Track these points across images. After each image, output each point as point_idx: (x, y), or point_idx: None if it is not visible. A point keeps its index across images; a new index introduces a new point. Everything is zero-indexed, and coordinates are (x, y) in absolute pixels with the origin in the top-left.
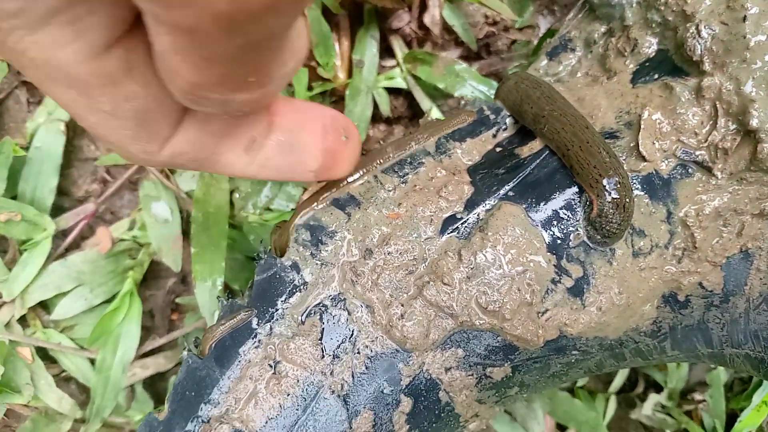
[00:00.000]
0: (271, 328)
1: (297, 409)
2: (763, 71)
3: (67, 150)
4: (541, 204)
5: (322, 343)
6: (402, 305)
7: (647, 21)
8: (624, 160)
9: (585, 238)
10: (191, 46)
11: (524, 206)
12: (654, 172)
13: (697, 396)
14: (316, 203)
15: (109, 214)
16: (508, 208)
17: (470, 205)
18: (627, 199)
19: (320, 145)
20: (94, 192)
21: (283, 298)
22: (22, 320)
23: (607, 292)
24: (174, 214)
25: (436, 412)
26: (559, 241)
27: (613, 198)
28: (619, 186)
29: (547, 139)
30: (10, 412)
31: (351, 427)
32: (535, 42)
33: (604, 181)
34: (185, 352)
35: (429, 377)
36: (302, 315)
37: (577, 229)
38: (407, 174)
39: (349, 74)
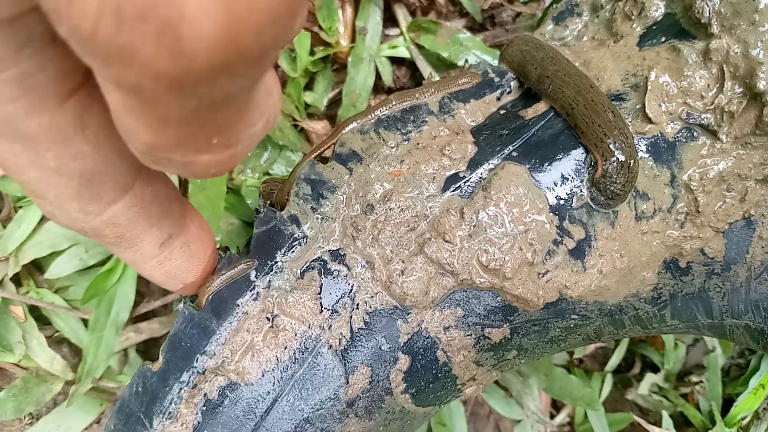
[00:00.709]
0: (269, 281)
1: (294, 363)
2: None
3: None
4: (545, 165)
5: (320, 298)
6: (402, 261)
7: None
8: (630, 122)
9: (588, 200)
10: (141, 106)
11: (528, 167)
12: (659, 134)
13: (694, 378)
14: (316, 155)
15: None
16: (512, 168)
17: (473, 164)
18: (632, 160)
19: (203, 260)
20: None
21: (282, 252)
22: (15, 279)
23: (608, 255)
24: (173, 176)
25: (434, 371)
26: (562, 202)
27: (617, 158)
28: (624, 146)
29: (552, 99)
30: None
31: (348, 383)
32: (539, 15)
33: (609, 141)
34: (181, 304)
35: (427, 336)
36: (301, 269)
37: (580, 191)
38: (410, 132)
39: (352, 41)
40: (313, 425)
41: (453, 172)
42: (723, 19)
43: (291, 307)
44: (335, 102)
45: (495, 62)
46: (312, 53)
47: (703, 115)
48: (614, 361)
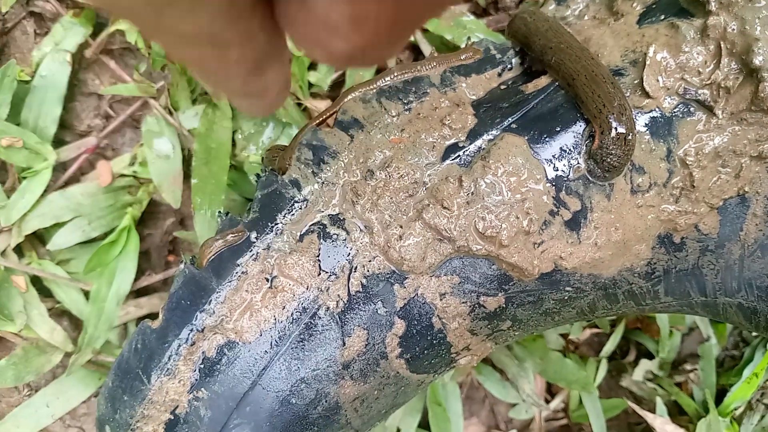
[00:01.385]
0: (269, 243)
1: (291, 324)
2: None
3: (71, 83)
4: (544, 137)
5: (319, 261)
6: (401, 227)
7: None
8: (628, 96)
9: (585, 172)
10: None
11: (526, 138)
12: (656, 109)
13: (688, 367)
14: (318, 123)
15: (110, 151)
16: (511, 139)
17: (473, 135)
18: (629, 133)
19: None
20: (97, 127)
21: (282, 214)
22: (18, 250)
23: (603, 228)
24: (176, 151)
25: (428, 338)
26: (559, 174)
27: (615, 129)
28: (622, 118)
29: (554, 71)
30: None
31: (344, 345)
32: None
33: (608, 112)
34: (182, 265)
35: (423, 301)
36: (301, 232)
37: (577, 163)
38: (411, 102)
39: None
40: (308, 385)
41: (453, 141)
42: None
43: (290, 269)
44: (338, 83)
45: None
46: None
47: (699, 91)
48: (609, 347)
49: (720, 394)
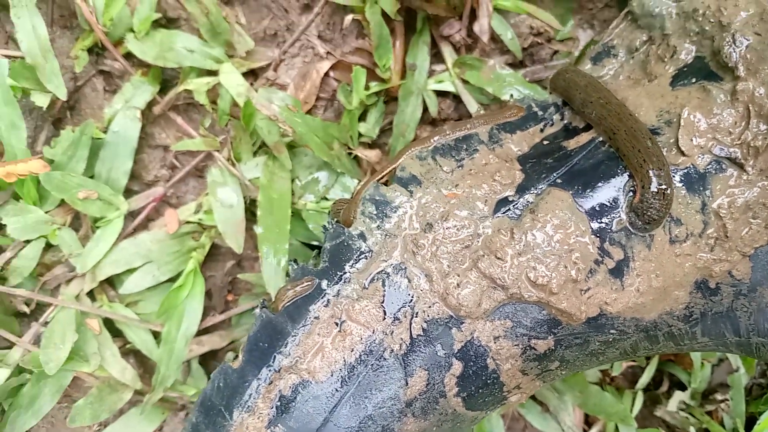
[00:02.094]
0: (338, 290)
1: (359, 364)
2: None
3: (139, 136)
4: (587, 191)
5: (384, 306)
6: (458, 275)
7: (686, 30)
8: (665, 153)
9: (627, 224)
10: None
11: (571, 192)
12: (691, 166)
13: (719, 397)
14: (378, 178)
15: (175, 198)
16: (557, 193)
17: (521, 189)
18: (668, 188)
19: None
20: (163, 177)
21: (350, 264)
22: (89, 295)
23: (645, 275)
24: (239, 200)
25: (483, 377)
26: (602, 226)
27: (656, 184)
28: (661, 173)
29: (595, 124)
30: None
31: (407, 385)
32: (576, 53)
33: (648, 167)
34: (258, 310)
35: (479, 344)
36: (367, 280)
37: (619, 215)
38: (463, 159)
39: (402, 76)
40: (375, 422)
41: (503, 195)
42: (748, 63)
43: (357, 314)
44: (385, 131)
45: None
46: (366, 88)
47: (730, 149)
48: (645, 379)
49: (749, 422)
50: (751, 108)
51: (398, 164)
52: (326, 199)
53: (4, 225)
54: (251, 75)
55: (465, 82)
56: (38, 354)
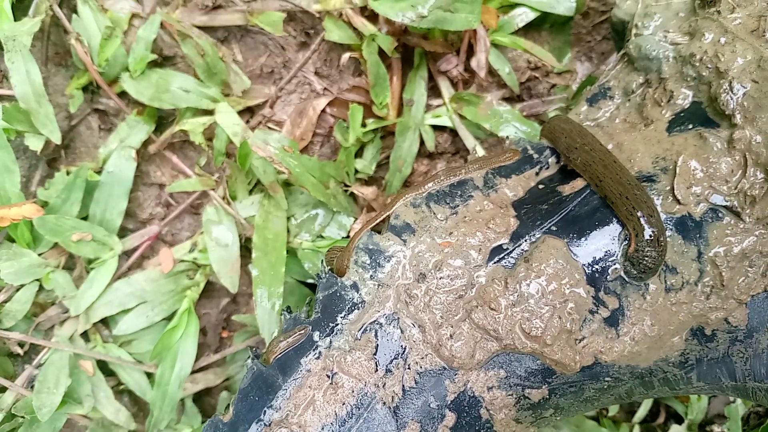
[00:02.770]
0: (330, 342)
1: (350, 418)
2: None
3: (134, 174)
4: (582, 239)
5: (376, 358)
6: (451, 326)
7: (683, 75)
8: (660, 202)
9: (622, 273)
10: None
11: (566, 240)
12: (687, 214)
13: (716, 428)
14: (372, 226)
15: (170, 236)
16: (551, 241)
17: (515, 237)
18: (661, 235)
19: None
20: (158, 215)
21: (342, 315)
22: (83, 335)
23: (640, 324)
24: (234, 239)
25: (477, 428)
26: (597, 275)
27: (649, 233)
28: (652, 220)
29: (581, 171)
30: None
31: None
32: (574, 87)
33: (639, 214)
34: (249, 360)
35: (472, 394)
36: (359, 331)
37: (614, 264)
38: (458, 205)
39: (399, 111)
40: None
41: (497, 243)
42: (746, 111)
43: (349, 366)
44: (382, 165)
45: (532, 133)
46: (363, 125)
47: (727, 198)
48: (641, 412)
49: None
50: (748, 156)
51: (392, 211)
52: (322, 237)
53: None
54: (248, 112)
55: (462, 117)
56: (31, 399)
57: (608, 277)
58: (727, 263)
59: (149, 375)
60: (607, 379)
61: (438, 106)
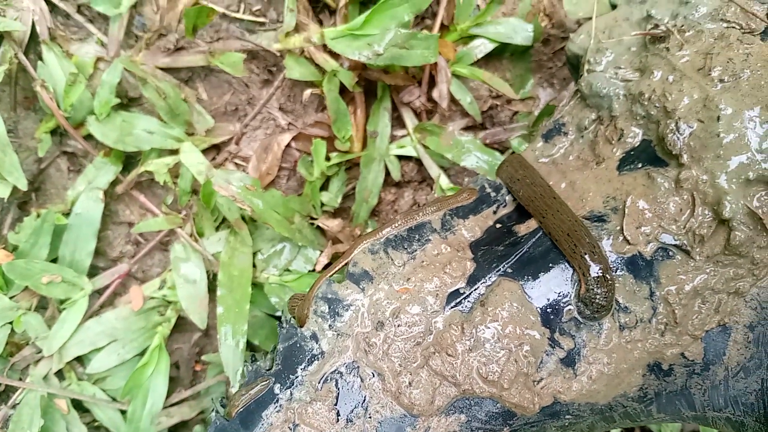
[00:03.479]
0: (291, 394)
1: None
2: (735, 166)
3: (103, 214)
4: (536, 281)
5: (337, 408)
6: (410, 374)
7: (633, 113)
8: (611, 242)
9: (576, 314)
10: None
11: (521, 282)
12: (638, 254)
13: None
14: (331, 273)
15: (141, 273)
16: (507, 284)
17: (472, 280)
18: (606, 272)
19: None
20: (128, 253)
21: (302, 366)
22: (58, 373)
23: (596, 363)
24: (201, 275)
25: None
26: (552, 316)
27: (595, 270)
28: (595, 257)
29: (526, 204)
30: None
31: None
32: (536, 113)
33: (582, 252)
34: (213, 414)
35: None
36: (320, 381)
37: (568, 305)
38: (416, 250)
39: (364, 143)
40: None
41: (454, 288)
42: (692, 151)
43: (310, 417)
44: (349, 196)
45: (493, 162)
46: (327, 159)
47: (676, 237)
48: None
49: None
50: (695, 196)
51: (351, 259)
52: (289, 271)
53: None
54: (214, 149)
55: (426, 147)
56: None
57: (563, 318)
58: (680, 301)
59: (123, 411)
60: (567, 417)
61: (403, 136)
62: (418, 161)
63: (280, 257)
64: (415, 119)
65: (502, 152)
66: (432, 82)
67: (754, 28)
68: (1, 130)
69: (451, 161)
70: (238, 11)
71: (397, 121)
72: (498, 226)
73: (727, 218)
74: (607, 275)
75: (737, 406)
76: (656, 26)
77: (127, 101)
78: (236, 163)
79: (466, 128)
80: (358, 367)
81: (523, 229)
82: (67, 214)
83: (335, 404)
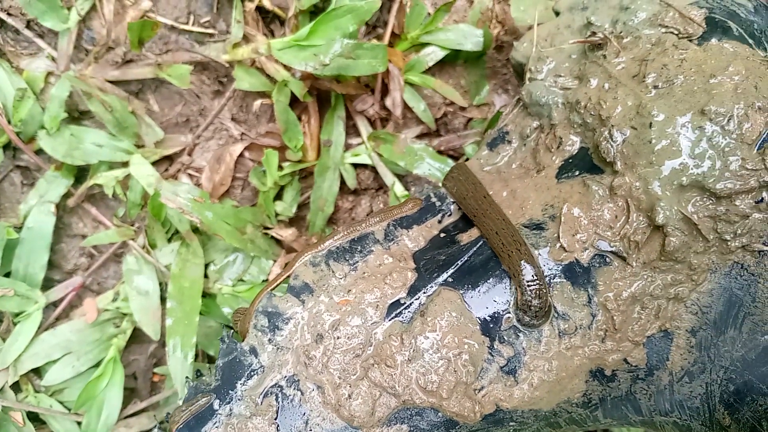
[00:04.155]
0: (230, 409)
1: None
2: (667, 172)
3: (57, 227)
4: (476, 290)
5: (276, 422)
6: (350, 386)
7: (570, 121)
8: (548, 249)
9: (515, 322)
10: None
11: (461, 291)
12: (575, 260)
13: None
14: (273, 287)
15: (96, 285)
16: (446, 294)
17: (413, 290)
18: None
19: None
20: (82, 265)
21: (242, 381)
22: (15, 386)
23: (537, 370)
24: (154, 286)
25: None
26: (492, 324)
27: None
28: (527, 260)
29: (459, 202)
30: None
31: None
32: (489, 117)
33: (516, 257)
34: (155, 430)
35: None
36: (260, 396)
37: (507, 313)
38: (357, 262)
39: (319, 152)
40: None
41: (395, 299)
42: (625, 158)
43: None
44: (305, 204)
45: (445, 169)
46: (280, 168)
47: (612, 244)
48: None
49: None
50: (629, 202)
51: (292, 272)
52: (243, 281)
53: None
54: (166, 160)
55: (380, 155)
56: None
57: (502, 326)
58: (618, 307)
59: (80, 423)
60: (511, 424)
61: (358, 144)
62: (375, 169)
63: (233, 267)
64: (369, 127)
65: (456, 159)
66: (385, 90)
67: (691, 33)
68: None
69: (405, 169)
70: (186, 23)
71: (353, 129)
72: (442, 235)
73: (661, 224)
74: (540, 279)
75: (683, 410)
76: (594, 33)
77: (78, 114)
78: (190, 174)
79: (421, 135)
80: (299, 380)
81: (465, 237)
82: (19, 228)
83: (275, 419)
